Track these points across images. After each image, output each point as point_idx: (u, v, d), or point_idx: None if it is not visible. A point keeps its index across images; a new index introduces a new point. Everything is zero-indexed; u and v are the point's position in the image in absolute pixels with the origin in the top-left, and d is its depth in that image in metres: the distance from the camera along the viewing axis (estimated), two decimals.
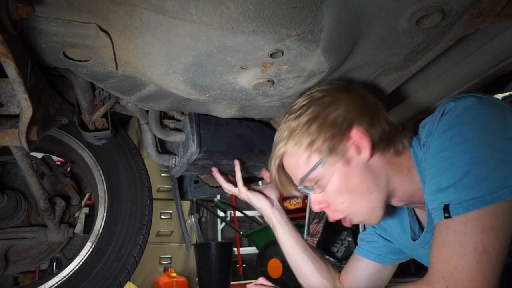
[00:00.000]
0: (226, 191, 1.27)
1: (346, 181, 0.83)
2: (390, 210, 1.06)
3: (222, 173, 1.27)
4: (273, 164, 0.92)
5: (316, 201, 0.87)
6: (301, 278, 1.15)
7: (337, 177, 0.83)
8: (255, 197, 1.19)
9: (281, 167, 0.92)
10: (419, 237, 0.96)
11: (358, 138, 0.83)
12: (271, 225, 1.20)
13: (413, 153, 0.87)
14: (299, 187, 0.89)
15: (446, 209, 0.68)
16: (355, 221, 0.88)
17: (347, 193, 0.84)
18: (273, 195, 1.22)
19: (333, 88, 0.90)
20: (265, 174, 1.31)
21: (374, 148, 0.83)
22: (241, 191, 1.20)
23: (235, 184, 1.23)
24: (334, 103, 0.86)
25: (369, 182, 0.83)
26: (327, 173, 0.83)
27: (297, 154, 0.85)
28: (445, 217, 0.68)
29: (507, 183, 0.65)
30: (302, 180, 0.86)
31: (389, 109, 1.30)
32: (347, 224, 0.89)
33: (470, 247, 0.64)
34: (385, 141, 0.85)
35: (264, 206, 1.18)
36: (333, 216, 0.89)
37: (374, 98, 0.90)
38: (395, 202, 0.90)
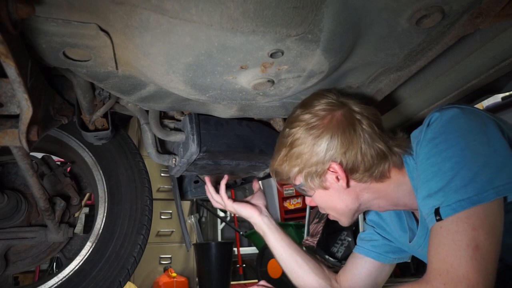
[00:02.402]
0: (215, 205, 1.28)
1: (326, 200, 0.96)
2: (388, 211, 1.07)
3: (213, 185, 1.28)
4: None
5: (307, 200, 1.00)
6: (297, 281, 1.15)
7: (317, 197, 0.96)
8: (241, 207, 1.21)
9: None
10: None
11: (336, 171, 0.89)
12: (261, 233, 1.20)
13: (405, 162, 0.91)
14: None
15: (437, 212, 0.71)
16: (335, 218, 1.01)
17: (327, 208, 0.98)
18: (261, 203, 1.23)
19: (332, 116, 0.90)
20: (255, 184, 1.35)
21: (354, 179, 0.90)
22: (227, 204, 1.22)
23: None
24: (324, 136, 0.88)
25: (347, 201, 0.93)
26: (310, 190, 0.95)
27: (285, 172, 0.95)
28: (437, 220, 0.71)
29: (492, 184, 0.68)
30: (294, 186, 0.97)
31: (390, 109, 1.30)
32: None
33: (463, 244, 0.67)
34: (367, 172, 0.89)
35: (252, 215, 1.20)
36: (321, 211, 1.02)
37: (371, 126, 0.88)
38: (377, 208, 0.99)
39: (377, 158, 0.87)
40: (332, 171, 0.89)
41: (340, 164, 0.87)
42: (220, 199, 1.24)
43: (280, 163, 0.95)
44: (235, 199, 1.23)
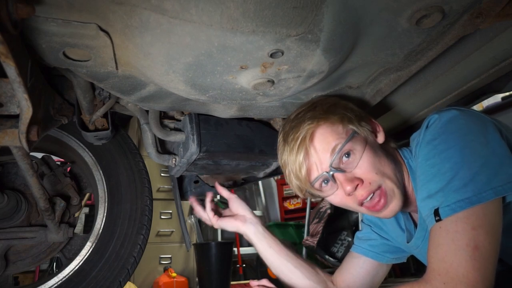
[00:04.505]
0: (206, 222, 1.22)
1: (376, 154, 0.86)
2: None
3: (201, 204, 1.22)
4: (298, 145, 0.88)
5: (349, 180, 0.84)
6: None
7: (368, 149, 0.86)
8: (226, 223, 1.16)
9: (305, 151, 0.88)
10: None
11: (374, 123, 0.93)
12: (251, 242, 1.15)
13: (408, 164, 0.93)
14: (329, 168, 0.85)
15: (436, 212, 0.72)
16: (388, 194, 0.84)
17: (379, 165, 0.85)
18: (241, 210, 1.17)
19: (330, 97, 1.00)
20: (222, 192, 1.23)
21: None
22: (214, 224, 1.17)
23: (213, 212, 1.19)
24: (343, 99, 0.97)
25: (390, 160, 0.89)
26: (359, 146, 0.86)
27: (330, 127, 0.87)
28: (436, 220, 0.72)
29: (491, 185, 0.68)
30: (337, 151, 0.84)
31: (390, 109, 1.30)
32: (379, 204, 0.84)
33: (463, 244, 0.67)
34: (386, 136, 0.94)
35: (237, 227, 1.14)
36: (367, 192, 0.84)
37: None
38: None
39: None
40: (371, 119, 0.93)
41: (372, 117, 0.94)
42: (207, 218, 1.19)
43: (325, 116, 0.87)
44: (218, 217, 1.17)
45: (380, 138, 0.92)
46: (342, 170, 0.85)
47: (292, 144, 0.89)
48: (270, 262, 1.13)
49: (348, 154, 0.85)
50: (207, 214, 1.19)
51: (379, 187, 0.85)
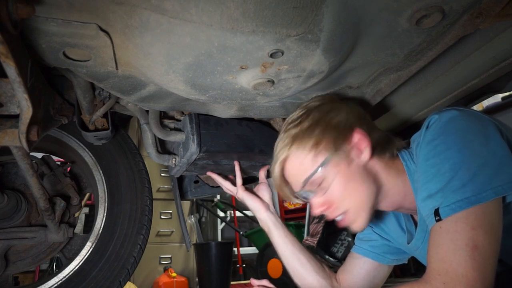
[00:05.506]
0: (225, 189, 1.28)
1: (349, 180, 0.87)
2: (386, 211, 1.07)
3: (219, 173, 1.28)
4: (276, 170, 0.95)
5: (318, 204, 0.90)
6: (298, 280, 1.15)
7: (340, 176, 0.87)
8: (251, 198, 1.21)
9: (282, 174, 0.95)
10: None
11: (359, 140, 0.89)
12: (265, 229, 1.20)
13: (406, 166, 0.92)
14: (300, 192, 0.92)
15: (436, 212, 0.72)
16: (350, 218, 0.89)
17: (350, 191, 0.88)
18: (267, 198, 1.23)
19: (328, 97, 0.99)
20: (261, 174, 1.29)
21: (373, 151, 0.89)
22: (238, 190, 1.22)
23: (233, 183, 1.26)
24: (334, 109, 0.94)
25: (368, 182, 0.89)
26: (330, 173, 0.88)
27: (301, 155, 0.90)
28: (437, 220, 0.72)
29: (491, 184, 0.68)
30: (306, 181, 0.89)
31: (390, 110, 1.30)
32: (343, 222, 0.90)
33: (462, 244, 0.67)
34: (382, 145, 0.92)
35: (259, 209, 1.19)
36: (332, 215, 0.91)
37: (363, 109, 0.98)
38: (384, 206, 0.94)
39: (385, 137, 0.94)
40: (357, 133, 0.90)
41: (361, 129, 0.90)
42: (229, 185, 1.25)
43: (299, 141, 0.90)
44: (246, 187, 1.23)
45: (365, 156, 0.89)
46: (310, 194, 0.91)
47: (273, 163, 0.96)
48: (282, 251, 1.16)
49: (318, 183, 0.89)
50: (229, 183, 1.25)
51: (344, 213, 0.89)
